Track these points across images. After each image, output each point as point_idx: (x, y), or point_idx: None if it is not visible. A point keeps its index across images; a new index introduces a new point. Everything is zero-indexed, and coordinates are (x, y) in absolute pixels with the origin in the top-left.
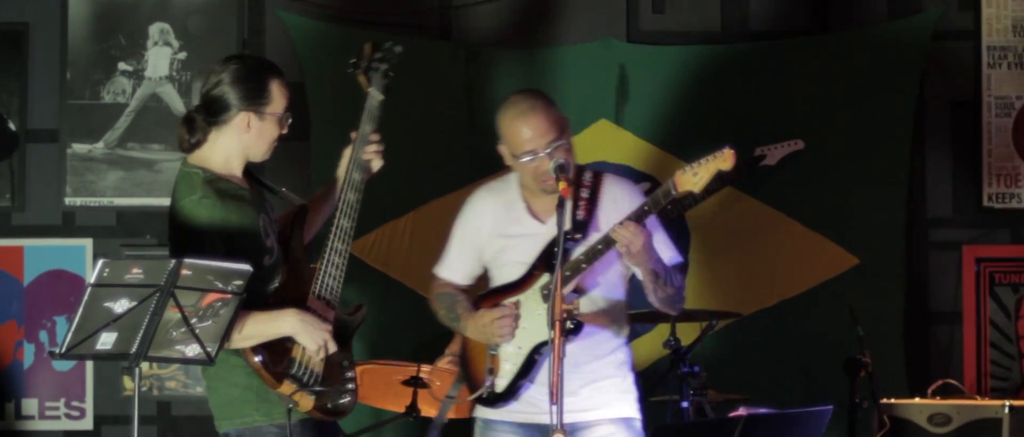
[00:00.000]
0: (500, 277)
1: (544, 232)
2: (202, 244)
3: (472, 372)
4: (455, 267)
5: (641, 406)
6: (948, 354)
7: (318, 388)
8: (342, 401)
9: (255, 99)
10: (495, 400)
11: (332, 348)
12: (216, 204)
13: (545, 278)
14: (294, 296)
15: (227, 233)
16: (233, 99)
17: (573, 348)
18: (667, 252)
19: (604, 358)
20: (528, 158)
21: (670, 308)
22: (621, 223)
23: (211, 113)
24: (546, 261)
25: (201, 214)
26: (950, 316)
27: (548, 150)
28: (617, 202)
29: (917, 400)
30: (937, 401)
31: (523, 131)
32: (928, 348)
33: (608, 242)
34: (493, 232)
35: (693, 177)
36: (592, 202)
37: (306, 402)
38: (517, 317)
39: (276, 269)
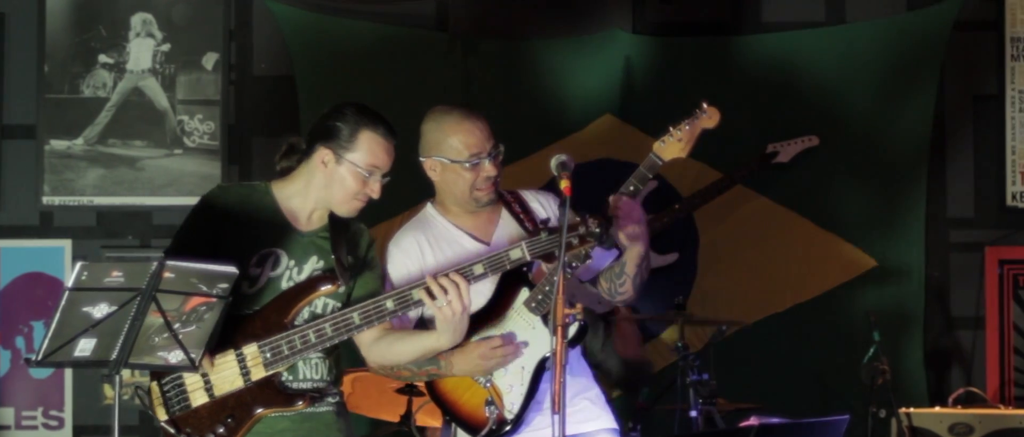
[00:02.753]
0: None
1: (491, 251)
2: (192, 220)
3: (463, 412)
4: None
5: (649, 416)
6: (970, 361)
7: (168, 414)
8: None
9: (337, 138)
10: (508, 431)
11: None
12: (232, 194)
13: (524, 293)
14: (235, 335)
15: (224, 226)
16: (321, 130)
17: (569, 355)
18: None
19: (582, 365)
20: (473, 163)
21: (635, 297)
22: (616, 198)
23: (308, 143)
24: (516, 275)
25: (211, 196)
26: (972, 321)
27: (491, 154)
28: (545, 208)
29: (937, 409)
30: (958, 410)
31: (466, 136)
32: (949, 355)
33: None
34: (434, 268)
35: (677, 143)
36: (527, 212)
37: (160, 412)
38: (517, 344)
39: (249, 300)
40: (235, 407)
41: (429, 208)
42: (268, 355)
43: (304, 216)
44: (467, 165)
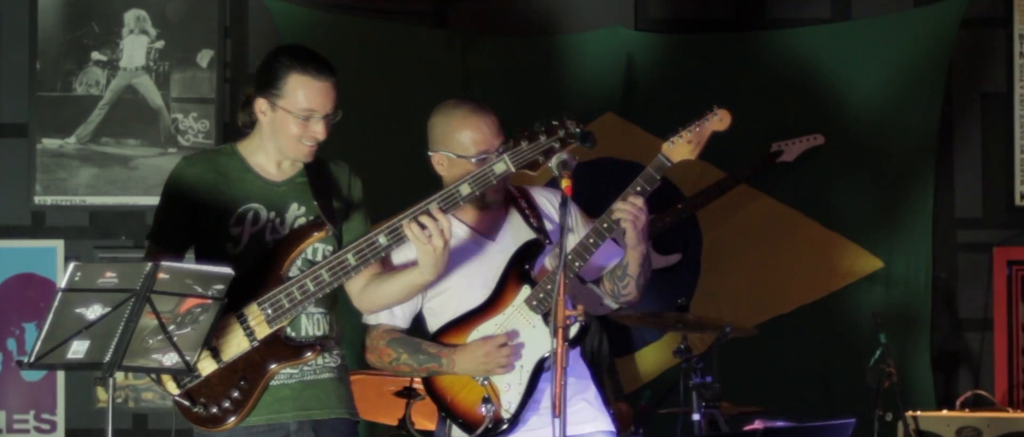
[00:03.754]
0: (448, 307)
1: (499, 248)
2: (165, 199)
3: (460, 410)
4: (396, 312)
5: (651, 419)
6: (978, 363)
7: (178, 387)
8: (210, 411)
9: (266, 85)
10: (504, 430)
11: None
12: (198, 163)
13: (525, 290)
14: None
15: (197, 195)
16: (256, 79)
17: (568, 355)
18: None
19: (582, 366)
20: (480, 160)
21: (638, 299)
22: (623, 199)
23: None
24: (519, 273)
25: (177, 171)
26: (980, 323)
27: (499, 151)
28: (552, 204)
29: (945, 413)
30: (966, 414)
31: (474, 132)
32: (956, 357)
33: (600, 232)
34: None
35: (686, 145)
36: (534, 209)
37: (171, 386)
38: (515, 342)
39: (238, 261)
40: (245, 369)
41: None
42: (269, 311)
43: (273, 167)
44: (474, 161)
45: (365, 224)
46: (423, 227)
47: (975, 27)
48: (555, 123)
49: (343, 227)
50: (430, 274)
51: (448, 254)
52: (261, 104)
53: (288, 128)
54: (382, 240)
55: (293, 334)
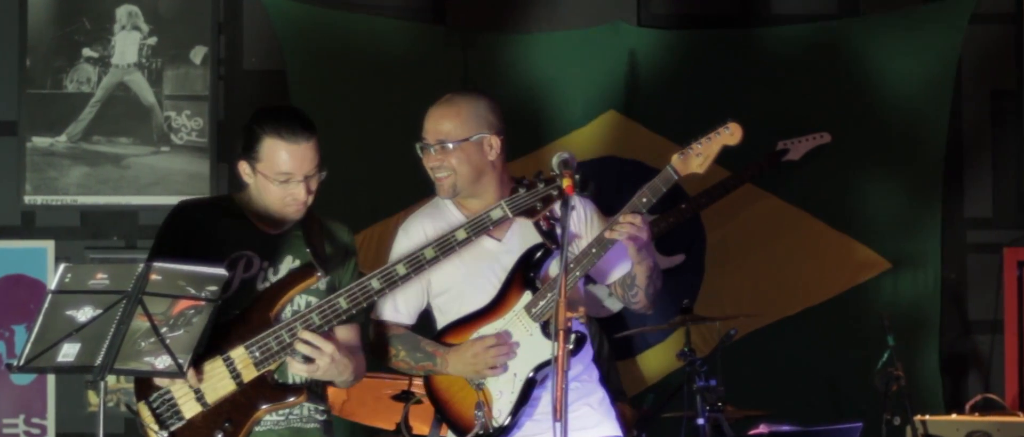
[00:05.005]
0: (453, 307)
1: (504, 249)
2: (161, 238)
3: (454, 412)
4: (401, 308)
5: (654, 423)
6: (988, 366)
7: (169, 426)
8: None
9: (247, 149)
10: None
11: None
12: (196, 208)
13: (527, 296)
14: (219, 341)
15: (191, 238)
16: (241, 143)
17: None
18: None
19: (589, 369)
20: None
21: (648, 307)
22: (624, 215)
23: None
24: (523, 278)
25: (175, 211)
26: (990, 325)
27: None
28: (578, 214)
29: (954, 417)
30: (976, 418)
31: (428, 122)
32: (966, 360)
33: (602, 242)
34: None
35: (696, 158)
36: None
37: (154, 427)
38: (510, 344)
39: (226, 305)
40: (231, 410)
41: (442, 198)
42: (257, 354)
43: (268, 220)
44: (432, 151)
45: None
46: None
47: (985, 23)
48: (554, 174)
49: (341, 274)
50: (338, 380)
51: (341, 363)
52: (244, 167)
53: (270, 190)
54: (375, 284)
55: (280, 380)
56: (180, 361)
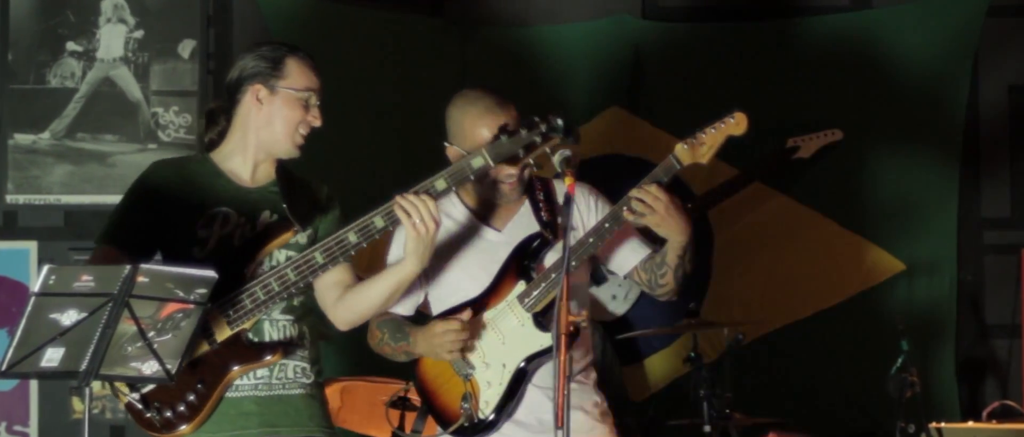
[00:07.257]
0: (450, 298)
1: (503, 240)
2: (129, 199)
3: (440, 403)
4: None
5: (659, 430)
6: (1006, 372)
7: (136, 394)
8: (164, 415)
9: (265, 71)
10: (478, 430)
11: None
12: (168, 167)
13: (520, 286)
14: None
15: (165, 197)
16: (244, 72)
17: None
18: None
19: (586, 371)
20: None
21: (675, 293)
22: (639, 188)
23: (229, 98)
24: (518, 267)
25: (146, 172)
26: (1008, 329)
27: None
28: (585, 202)
29: (971, 424)
30: (993, 425)
31: (494, 128)
32: (983, 365)
33: (616, 218)
34: (439, 249)
35: (700, 147)
36: (550, 202)
37: (124, 388)
38: (466, 328)
39: (204, 265)
40: (204, 372)
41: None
42: (230, 312)
43: (248, 173)
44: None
45: (339, 226)
46: (412, 210)
47: (1002, 16)
48: (536, 119)
49: (318, 228)
50: (416, 264)
51: (434, 244)
52: (258, 90)
53: (288, 112)
54: (352, 238)
55: (254, 339)
56: (168, 366)
